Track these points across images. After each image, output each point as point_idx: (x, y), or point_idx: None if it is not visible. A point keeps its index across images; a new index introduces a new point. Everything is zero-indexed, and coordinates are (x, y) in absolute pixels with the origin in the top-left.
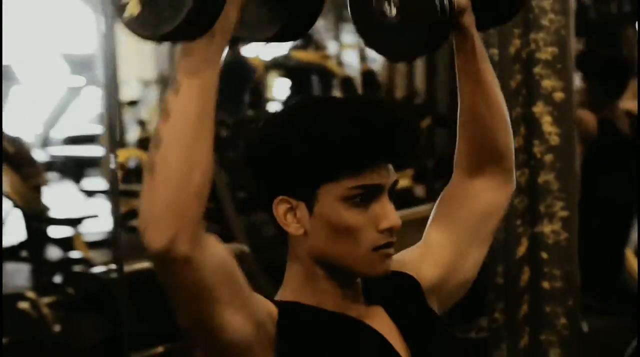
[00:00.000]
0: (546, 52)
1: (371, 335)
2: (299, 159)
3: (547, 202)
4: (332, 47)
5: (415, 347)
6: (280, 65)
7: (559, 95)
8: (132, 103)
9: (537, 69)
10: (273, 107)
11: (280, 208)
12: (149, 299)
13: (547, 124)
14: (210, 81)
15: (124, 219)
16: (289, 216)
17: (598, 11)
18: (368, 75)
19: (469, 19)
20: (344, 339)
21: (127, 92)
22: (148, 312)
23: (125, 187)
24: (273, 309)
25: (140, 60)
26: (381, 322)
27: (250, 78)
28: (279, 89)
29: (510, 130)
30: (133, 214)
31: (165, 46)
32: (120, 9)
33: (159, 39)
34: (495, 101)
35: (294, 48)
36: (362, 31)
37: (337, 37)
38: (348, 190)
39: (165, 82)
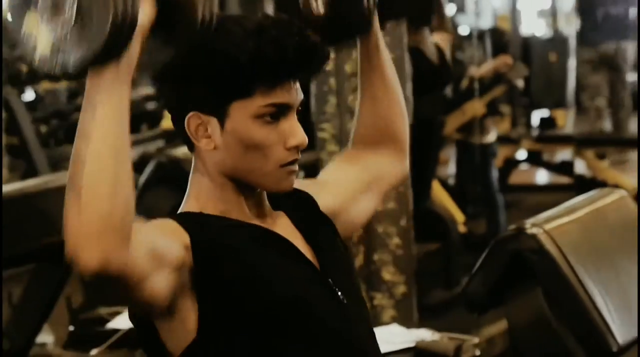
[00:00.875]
0: None
1: (277, 239)
2: (211, 75)
3: None
4: None
5: (317, 247)
6: None
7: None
8: None
9: None
10: None
11: (192, 123)
12: None
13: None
14: (125, 100)
15: None
16: (200, 130)
17: None
18: None
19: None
20: (252, 245)
21: None
22: None
23: None
24: (184, 237)
25: None
26: (285, 227)
27: None
28: None
29: (406, 117)
30: None
31: None
32: (31, 50)
33: (71, 73)
34: (394, 91)
35: None
36: None
37: None
38: (259, 108)
39: None
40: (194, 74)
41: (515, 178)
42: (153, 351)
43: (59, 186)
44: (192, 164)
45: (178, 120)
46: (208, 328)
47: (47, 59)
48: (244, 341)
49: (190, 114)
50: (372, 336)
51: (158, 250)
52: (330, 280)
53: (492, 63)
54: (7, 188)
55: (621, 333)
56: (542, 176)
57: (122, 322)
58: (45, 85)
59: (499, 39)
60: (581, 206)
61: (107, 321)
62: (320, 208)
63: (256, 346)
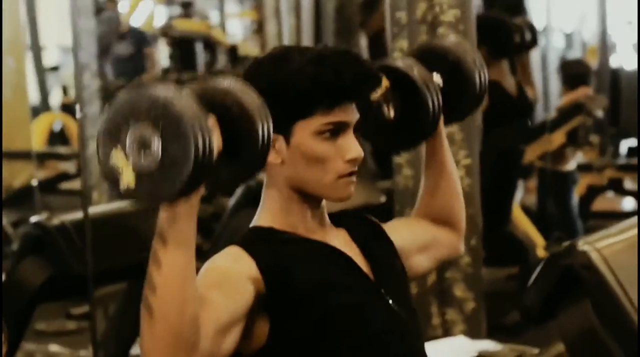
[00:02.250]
0: (449, 15)
1: (335, 253)
2: (277, 98)
3: (451, 151)
4: (215, 17)
5: (373, 261)
6: (166, 34)
7: None
8: (54, 69)
9: (441, 30)
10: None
11: None
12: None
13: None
14: (192, 233)
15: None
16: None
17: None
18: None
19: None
20: (314, 259)
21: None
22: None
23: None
24: (253, 269)
25: (59, 27)
26: (343, 241)
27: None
28: (165, 57)
29: (463, 207)
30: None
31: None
32: (114, 180)
33: (156, 204)
34: (454, 185)
35: (177, 17)
36: (362, 130)
37: (220, 7)
38: (319, 126)
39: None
40: (264, 99)
41: (600, 205)
42: None
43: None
44: (265, 180)
45: None
46: (276, 335)
47: (131, 191)
48: (308, 345)
49: None
50: (422, 345)
51: (224, 322)
52: (383, 291)
53: (571, 95)
54: (100, 208)
55: None
56: (627, 203)
57: None
58: None
59: (580, 71)
60: (633, 226)
61: None
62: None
63: (319, 349)
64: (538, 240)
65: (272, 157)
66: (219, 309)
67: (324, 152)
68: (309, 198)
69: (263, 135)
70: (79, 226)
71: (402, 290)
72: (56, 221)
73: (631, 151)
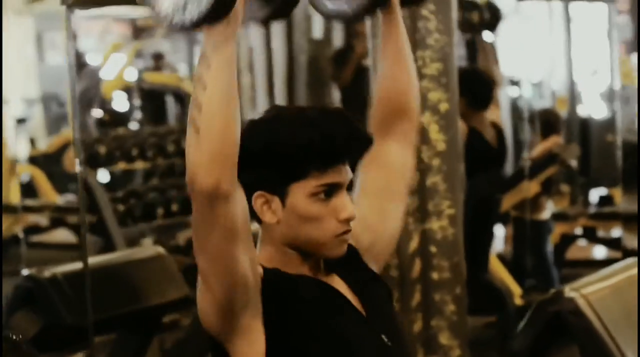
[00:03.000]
0: (432, 68)
1: (330, 290)
2: (272, 162)
3: (435, 201)
4: (183, 69)
5: (367, 302)
6: (136, 87)
7: (444, 106)
8: (21, 121)
9: (424, 83)
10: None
11: (258, 201)
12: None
13: (434, 132)
14: (233, 54)
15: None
16: (265, 207)
17: (462, 21)
18: None
19: None
20: (311, 294)
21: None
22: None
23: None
24: (261, 270)
25: (24, 79)
26: (338, 284)
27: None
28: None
29: (416, 86)
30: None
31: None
32: (156, 10)
33: (192, 25)
34: (409, 66)
35: (147, 70)
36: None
37: (189, 59)
38: (313, 187)
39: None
40: (259, 161)
41: (573, 253)
42: None
43: (141, 259)
44: (259, 236)
45: (246, 198)
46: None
47: (169, 17)
48: None
49: (257, 193)
50: None
51: (248, 218)
52: (375, 326)
53: (543, 144)
54: (94, 260)
55: None
56: (599, 252)
57: None
58: (121, 165)
59: (551, 120)
60: (616, 272)
61: None
62: (364, 246)
63: None
64: (515, 288)
65: (268, 217)
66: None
67: (318, 212)
68: (305, 254)
69: None
70: (71, 277)
71: (391, 323)
72: (47, 273)
73: (602, 200)
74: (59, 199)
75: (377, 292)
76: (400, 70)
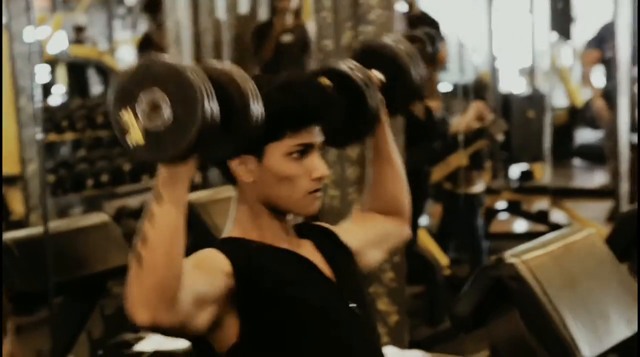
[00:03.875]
0: None
1: (302, 260)
2: None
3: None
4: (102, 43)
5: (338, 270)
6: (61, 60)
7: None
8: None
9: None
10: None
11: (234, 161)
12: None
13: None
14: (186, 193)
15: None
16: (242, 167)
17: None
18: None
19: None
20: (282, 265)
21: None
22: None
23: None
24: (226, 265)
25: None
26: (309, 250)
27: None
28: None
29: (408, 194)
30: None
31: None
32: (123, 137)
33: (161, 160)
34: (398, 173)
35: (71, 42)
36: None
37: (109, 34)
38: (289, 147)
39: None
40: None
41: (496, 227)
42: (202, 353)
43: (87, 226)
44: (235, 197)
45: (222, 161)
46: (247, 333)
47: (139, 148)
48: (275, 343)
49: None
50: (379, 342)
51: (200, 294)
52: (345, 294)
53: (471, 111)
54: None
55: (588, 350)
56: (520, 225)
57: (146, 345)
58: (51, 137)
59: (481, 92)
60: (554, 240)
61: (132, 345)
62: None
63: (285, 348)
64: (442, 260)
65: (245, 176)
66: (198, 282)
67: (293, 171)
68: (277, 213)
69: (256, 113)
70: (21, 244)
71: (360, 293)
72: None
73: (522, 175)
74: None
75: (348, 263)
76: (392, 174)
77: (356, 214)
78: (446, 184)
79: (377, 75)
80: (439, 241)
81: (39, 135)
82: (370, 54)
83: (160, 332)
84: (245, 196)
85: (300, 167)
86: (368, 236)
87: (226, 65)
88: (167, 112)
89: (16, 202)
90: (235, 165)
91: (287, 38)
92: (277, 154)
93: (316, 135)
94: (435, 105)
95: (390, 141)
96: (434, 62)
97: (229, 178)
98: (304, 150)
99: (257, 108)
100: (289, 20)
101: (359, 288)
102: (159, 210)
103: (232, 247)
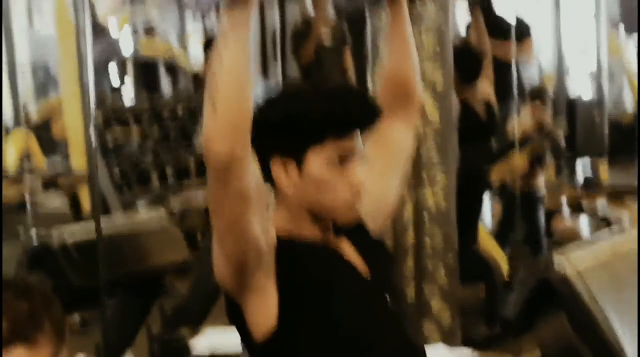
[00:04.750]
0: (428, 44)
1: (338, 256)
2: (293, 128)
3: (429, 171)
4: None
5: (372, 266)
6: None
7: (439, 81)
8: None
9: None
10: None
11: (275, 165)
12: None
13: (429, 106)
14: (249, 32)
15: None
16: (282, 172)
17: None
18: None
19: None
20: (320, 259)
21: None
22: None
23: None
24: (274, 235)
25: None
26: (346, 248)
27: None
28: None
29: (418, 70)
30: None
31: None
32: None
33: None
34: (412, 54)
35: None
36: None
37: (181, 32)
38: (329, 154)
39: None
40: (281, 129)
41: (558, 224)
42: (243, 335)
43: (146, 223)
44: (274, 200)
45: (263, 163)
46: (284, 320)
47: None
48: (311, 337)
49: (275, 158)
50: (417, 333)
51: (260, 186)
52: (378, 287)
53: (524, 112)
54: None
55: (634, 353)
56: (583, 223)
57: (202, 343)
58: (117, 134)
59: (540, 94)
60: (605, 243)
61: (188, 340)
62: (364, 211)
63: (320, 340)
64: (502, 259)
65: (285, 181)
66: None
67: (332, 178)
68: (316, 217)
69: None
70: (78, 241)
71: (392, 287)
72: (55, 235)
73: (587, 174)
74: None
75: (381, 257)
76: (404, 57)
77: (369, 146)
78: (510, 181)
79: None
80: (498, 240)
81: (92, 132)
82: None
83: (231, 172)
84: (284, 200)
85: (340, 175)
86: (382, 170)
87: None
88: None
89: (85, 198)
90: (276, 169)
91: (326, 38)
92: (318, 159)
93: (357, 143)
94: (486, 86)
95: (406, 20)
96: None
97: (268, 179)
98: (345, 157)
99: None
100: (327, 20)
101: (391, 282)
102: (225, 50)
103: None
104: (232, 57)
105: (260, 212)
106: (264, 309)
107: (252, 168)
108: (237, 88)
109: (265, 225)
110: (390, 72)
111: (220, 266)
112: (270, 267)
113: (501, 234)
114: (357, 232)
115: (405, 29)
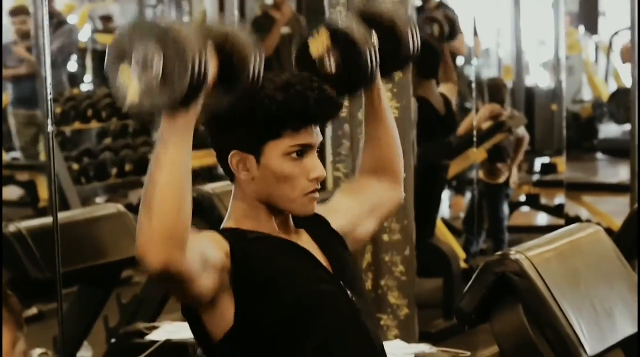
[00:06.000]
0: None
1: (298, 249)
2: (249, 121)
3: None
4: None
5: (333, 258)
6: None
7: (397, 75)
8: None
9: None
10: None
11: (234, 160)
12: None
13: (388, 99)
14: (190, 137)
15: None
16: (240, 165)
17: None
18: None
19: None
20: (278, 253)
21: None
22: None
23: None
24: (225, 245)
25: None
26: (305, 240)
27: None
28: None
29: (401, 154)
30: None
31: None
32: (119, 91)
33: (152, 111)
34: (391, 132)
35: (97, 32)
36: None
37: None
38: (287, 147)
39: None
40: (237, 121)
41: (517, 220)
42: (200, 336)
43: (102, 216)
44: (232, 192)
45: (222, 157)
46: (243, 318)
47: (135, 104)
48: (271, 330)
49: (233, 152)
50: (377, 328)
51: (206, 255)
52: (341, 282)
53: (481, 113)
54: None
55: (591, 345)
56: (541, 218)
57: (159, 334)
58: (76, 125)
59: (496, 89)
60: (560, 237)
61: (145, 334)
62: (332, 227)
63: (280, 333)
64: (460, 252)
65: (243, 175)
66: (204, 244)
67: (291, 171)
68: (275, 210)
69: (254, 68)
70: (35, 233)
71: (357, 282)
72: (12, 228)
73: (544, 168)
74: (5, 157)
75: (344, 252)
76: (385, 134)
77: (348, 186)
78: (482, 174)
79: (373, 37)
80: (457, 235)
81: (50, 127)
82: (368, 18)
83: (168, 281)
84: (243, 193)
85: (298, 167)
86: (362, 207)
87: (230, 26)
88: (158, 63)
89: (43, 190)
90: (234, 162)
91: (285, 31)
92: (276, 153)
93: (315, 136)
94: (450, 89)
95: (384, 101)
96: (449, 40)
97: (228, 174)
98: (303, 150)
99: (257, 65)
100: (288, 12)
101: (355, 276)
102: (165, 156)
103: (230, 235)
104: (172, 162)
105: (207, 270)
106: (222, 314)
107: (193, 251)
108: (175, 196)
109: (215, 266)
110: (369, 149)
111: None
112: (225, 282)
113: (465, 228)
114: (320, 229)
115: (382, 106)
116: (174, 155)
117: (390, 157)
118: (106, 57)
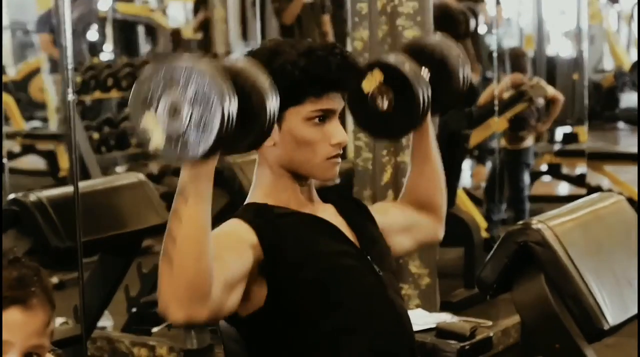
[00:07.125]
0: (408, 7)
1: (324, 223)
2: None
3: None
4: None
5: (358, 231)
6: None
7: None
8: None
9: (399, 21)
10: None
11: None
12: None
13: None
14: (210, 188)
15: None
16: None
17: None
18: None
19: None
20: (306, 229)
21: None
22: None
23: None
24: (252, 237)
25: None
26: (331, 214)
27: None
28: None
29: (445, 194)
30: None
31: None
32: (146, 140)
33: (181, 162)
34: (436, 173)
35: (118, 0)
36: (358, 119)
37: None
38: (309, 112)
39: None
40: None
41: (538, 189)
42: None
43: (123, 185)
44: (257, 160)
45: None
46: (274, 298)
47: (161, 150)
48: (301, 306)
49: None
50: (402, 302)
51: (230, 278)
52: (368, 256)
53: (503, 83)
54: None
55: (612, 315)
56: (563, 188)
57: None
58: (96, 95)
59: (517, 59)
60: (582, 206)
61: None
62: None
63: (307, 308)
64: (481, 222)
65: (265, 142)
66: (227, 267)
67: (312, 136)
68: (298, 177)
69: (271, 110)
70: (55, 202)
71: (385, 256)
72: (33, 197)
73: (566, 137)
74: (26, 126)
75: (374, 231)
76: (430, 170)
77: (390, 202)
78: (505, 141)
79: (424, 73)
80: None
81: (70, 96)
82: (419, 52)
83: (195, 325)
84: (266, 160)
85: (319, 133)
86: (398, 219)
87: (243, 62)
88: (187, 113)
89: (64, 159)
90: None
91: None
92: (298, 118)
93: (337, 102)
94: (474, 76)
95: (432, 140)
96: (468, 36)
97: None
98: (324, 116)
99: (273, 104)
100: None
101: (383, 252)
102: (184, 207)
103: (256, 215)
104: (191, 215)
105: (238, 292)
106: (252, 298)
107: (215, 286)
108: (195, 250)
109: (245, 277)
110: (413, 184)
111: None
112: (255, 274)
113: (487, 197)
114: (353, 208)
115: (430, 144)
116: (193, 209)
117: (433, 193)
118: (130, 99)
